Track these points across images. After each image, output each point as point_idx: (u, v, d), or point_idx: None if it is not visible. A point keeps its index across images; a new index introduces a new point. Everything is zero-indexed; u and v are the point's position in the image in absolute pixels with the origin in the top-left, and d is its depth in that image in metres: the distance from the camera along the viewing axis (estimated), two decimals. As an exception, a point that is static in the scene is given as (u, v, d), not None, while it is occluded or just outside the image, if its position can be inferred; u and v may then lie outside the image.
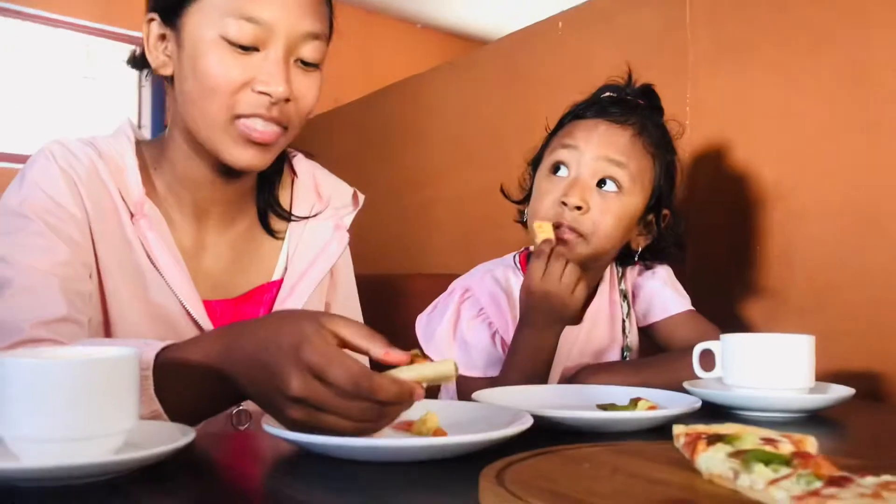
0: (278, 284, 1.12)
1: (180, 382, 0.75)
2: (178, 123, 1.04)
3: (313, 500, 0.61)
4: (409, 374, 0.67)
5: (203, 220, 1.09)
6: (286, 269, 1.14)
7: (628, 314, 1.33)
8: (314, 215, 1.18)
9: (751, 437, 0.63)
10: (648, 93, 1.30)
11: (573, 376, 1.19)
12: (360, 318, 1.26)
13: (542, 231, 1.18)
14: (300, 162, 1.21)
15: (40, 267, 0.90)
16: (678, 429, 0.65)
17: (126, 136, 1.07)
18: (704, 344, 1.04)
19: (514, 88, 2.11)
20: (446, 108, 2.34)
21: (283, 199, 1.18)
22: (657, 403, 0.90)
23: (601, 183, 1.21)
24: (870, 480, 0.49)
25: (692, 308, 1.30)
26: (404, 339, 1.28)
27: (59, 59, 4.57)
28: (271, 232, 1.15)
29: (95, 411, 0.59)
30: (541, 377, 1.14)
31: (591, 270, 1.26)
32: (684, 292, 1.33)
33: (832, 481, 0.49)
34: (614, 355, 1.31)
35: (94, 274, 0.98)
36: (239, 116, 0.98)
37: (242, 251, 1.12)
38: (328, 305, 1.22)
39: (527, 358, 1.14)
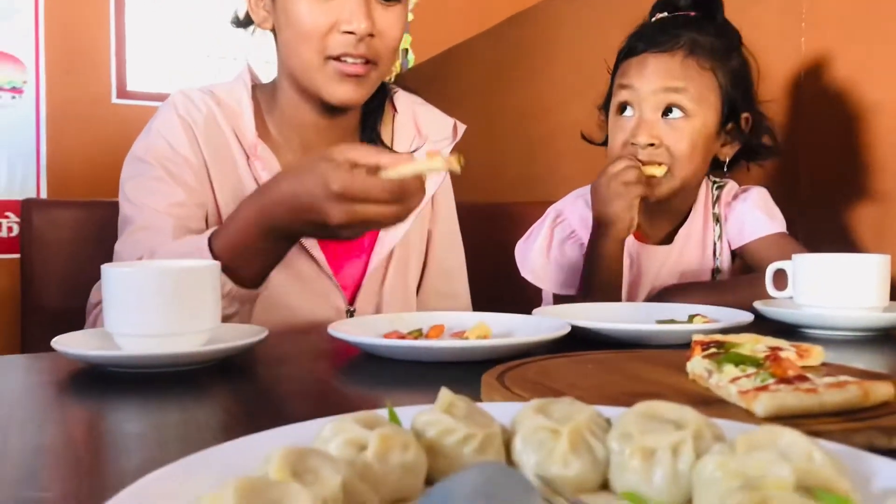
0: None
1: (234, 254, 0.90)
2: (283, 71, 1.16)
3: (353, 392, 0.72)
4: (404, 169, 0.82)
5: None
6: None
7: (720, 237, 1.33)
8: (414, 150, 1.26)
9: (753, 346, 0.66)
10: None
11: (654, 296, 1.22)
12: (460, 244, 1.35)
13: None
14: (400, 98, 1.30)
15: (157, 207, 1.06)
16: (696, 337, 0.70)
17: (243, 82, 1.20)
18: (778, 264, 1.05)
19: (634, 12, 2.06)
20: (571, 36, 2.33)
21: (385, 135, 1.27)
22: (715, 320, 0.93)
23: (667, 111, 1.22)
24: (825, 380, 0.53)
25: (784, 231, 1.28)
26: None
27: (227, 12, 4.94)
28: None
29: (182, 312, 0.72)
30: (606, 288, 1.20)
31: (678, 197, 1.28)
32: (779, 215, 1.31)
33: (783, 380, 0.53)
34: (705, 277, 1.32)
35: (212, 214, 1.12)
36: (331, 58, 1.08)
37: None
38: (430, 233, 1.32)
39: (592, 269, 1.21)
